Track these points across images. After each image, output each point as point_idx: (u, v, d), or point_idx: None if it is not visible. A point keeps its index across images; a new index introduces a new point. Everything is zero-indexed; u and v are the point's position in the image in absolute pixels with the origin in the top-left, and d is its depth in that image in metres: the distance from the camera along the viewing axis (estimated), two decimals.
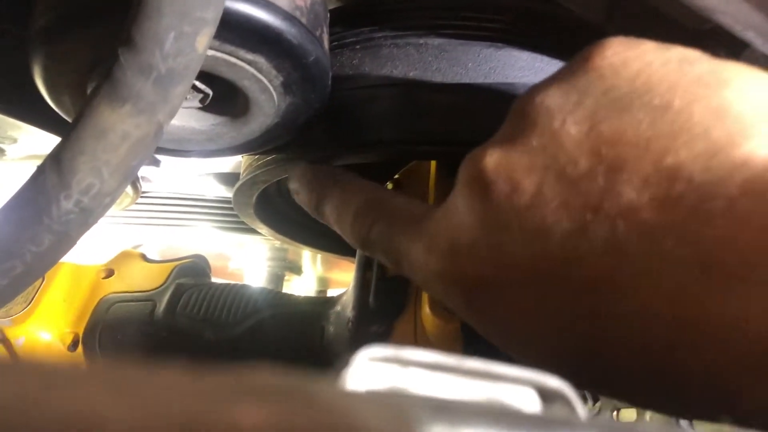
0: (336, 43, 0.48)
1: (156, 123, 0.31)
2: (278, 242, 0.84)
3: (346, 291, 0.47)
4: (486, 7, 0.47)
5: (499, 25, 0.46)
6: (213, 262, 1.05)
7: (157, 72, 0.30)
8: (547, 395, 0.22)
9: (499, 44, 0.46)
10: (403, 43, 0.46)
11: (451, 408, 0.11)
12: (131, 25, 0.29)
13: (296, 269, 0.99)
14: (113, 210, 0.78)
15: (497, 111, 0.43)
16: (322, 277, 1.10)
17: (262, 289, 0.51)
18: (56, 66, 0.37)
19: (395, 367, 0.17)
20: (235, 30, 0.35)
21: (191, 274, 0.55)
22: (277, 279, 0.96)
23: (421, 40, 0.46)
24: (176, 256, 0.58)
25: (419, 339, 0.41)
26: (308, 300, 0.50)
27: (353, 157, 0.46)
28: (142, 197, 0.84)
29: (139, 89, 0.30)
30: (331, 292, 1.12)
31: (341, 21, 0.49)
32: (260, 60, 0.37)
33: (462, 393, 0.20)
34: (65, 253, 0.33)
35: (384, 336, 0.42)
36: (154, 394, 0.08)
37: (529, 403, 0.22)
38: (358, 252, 0.47)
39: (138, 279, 0.54)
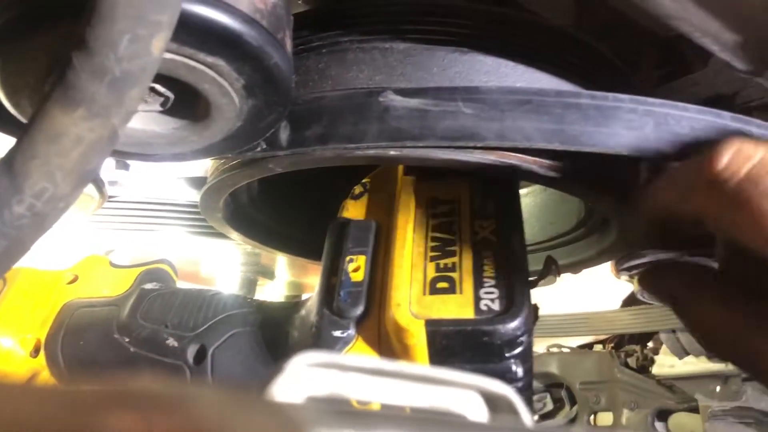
0: (302, 46, 0.48)
1: (110, 126, 0.30)
2: (250, 247, 0.84)
3: (312, 296, 0.47)
4: (452, 12, 0.47)
5: (464, 30, 0.46)
6: (185, 267, 1.05)
7: (111, 75, 0.29)
8: (492, 401, 0.22)
9: (465, 49, 0.46)
10: (369, 47, 0.46)
11: (349, 415, 0.11)
12: (85, 28, 0.29)
13: (269, 274, 0.98)
14: (81, 214, 0.77)
15: (461, 115, 0.44)
16: (294, 282, 1.09)
17: (228, 294, 0.51)
18: (13, 68, 0.37)
19: (335, 372, 0.17)
20: (193, 33, 0.35)
21: (157, 279, 0.55)
22: (250, 284, 0.95)
23: (387, 45, 0.46)
24: (144, 261, 0.57)
25: (383, 344, 0.41)
26: (275, 305, 0.50)
27: (319, 161, 0.46)
28: (113, 202, 0.83)
29: (93, 92, 0.29)
30: (305, 297, 1.11)
31: (308, 25, 0.49)
32: (220, 63, 0.37)
33: (405, 398, 0.20)
34: (19, 258, 0.33)
35: (347, 341, 0.42)
36: (22, 404, 0.08)
37: (474, 408, 0.22)
38: (324, 256, 0.47)
39: (102, 284, 0.53)
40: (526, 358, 0.40)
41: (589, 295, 1.66)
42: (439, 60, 0.45)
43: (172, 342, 0.47)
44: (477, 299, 0.40)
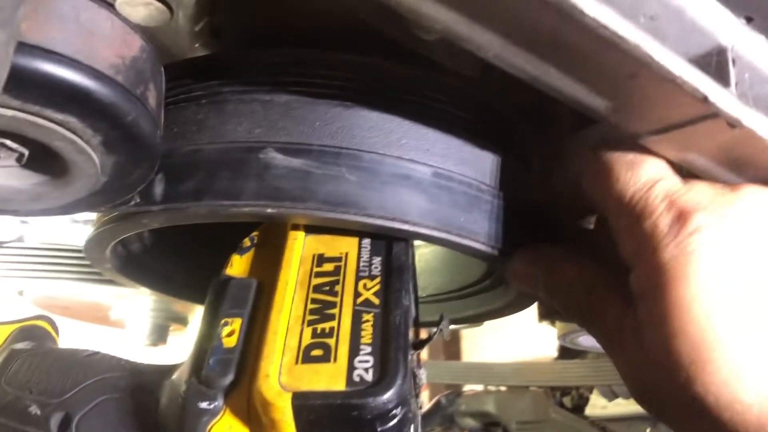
0: (183, 96, 0.46)
1: None
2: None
3: (185, 360, 0.44)
4: (336, 65, 0.45)
5: (348, 83, 0.45)
6: (93, 312, 1.00)
7: None
8: None
9: (348, 103, 0.44)
10: (249, 98, 0.45)
11: None
12: None
13: (182, 320, 0.95)
14: None
15: (341, 176, 0.42)
16: None
17: (102, 355, 0.48)
18: None
19: None
20: (36, 89, 0.32)
21: (32, 338, 0.51)
22: (161, 330, 0.91)
23: (268, 97, 0.44)
24: (21, 317, 0.54)
25: (252, 418, 0.39)
26: (150, 368, 0.47)
27: (194, 217, 0.44)
28: (10, 247, 0.79)
29: None
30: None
31: (190, 73, 0.47)
32: (71, 120, 0.35)
33: None
34: None
35: (215, 413, 0.39)
36: None
37: None
38: (201, 318, 0.44)
39: None
40: (402, 430, 0.38)
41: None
42: (321, 114, 0.44)
43: (35, 410, 0.44)
44: (351, 369, 0.38)
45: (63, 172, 0.39)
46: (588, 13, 0.29)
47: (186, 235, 0.61)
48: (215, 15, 0.54)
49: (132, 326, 0.93)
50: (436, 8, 0.30)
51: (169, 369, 0.45)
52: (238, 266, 0.48)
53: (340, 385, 0.37)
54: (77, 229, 0.77)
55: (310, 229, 0.47)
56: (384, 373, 0.38)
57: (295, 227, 0.48)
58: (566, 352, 1.57)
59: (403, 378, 0.37)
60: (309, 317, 0.42)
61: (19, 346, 0.50)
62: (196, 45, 0.55)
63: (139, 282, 0.61)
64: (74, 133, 0.35)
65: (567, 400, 1.67)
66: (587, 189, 0.45)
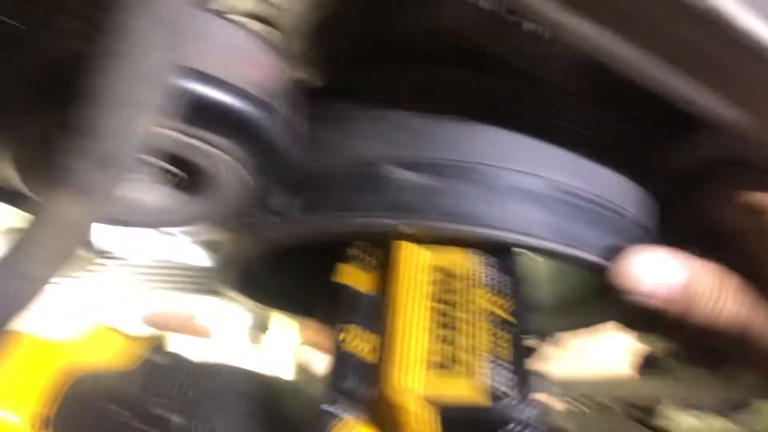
0: (308, 115, 0.48)
1: (94, 207, 0.30)
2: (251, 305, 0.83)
3: (308, 370, 0.45)
4: (455, 83, 0.46)
5: (467, 100, 0.46)
6: (180, 321, 1.04)
7: (98, 156, 0.29)
8: None
9: (468, 119, 0.45)
10: (374, 117, 0.46)
11: None
12: (72, 110, 0.29)
13: (264, 327, 0.97)
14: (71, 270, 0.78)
15: (462, 190, 0.43)
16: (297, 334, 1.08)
17: (230, 367, 0.50)
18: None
19: None
20: (203, 114, 0.35)
21: (165, 349, 0.54)
22: (246, 337, 0.93)
23: (392, 115, 0.46)
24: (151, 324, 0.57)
25: (385, 424, 0.39)
26: (276, 380, 0.48)
27: (328, 231, 0.45)
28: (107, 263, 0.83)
29: (77, 173, 0.29)
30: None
31: (314, 93, 0.49)
32: (227, 143, 0.37)
33: None
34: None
35: (351, 424, 0.40)
36: None
37: None
38: (324, 328, 0.46)
39: (109, 354, 0.52)
40: None
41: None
42: (443, 131, 0.45)
43: (177, 419, 0.46)
44: (492, 384, 0.38)
45: (209, 189, 0.41)
46: (739, 25, 0.28)
47: (298, 251, 0.63)
48: (335, 40, 0.56)
49: (217, 334, 0.96)
50: (580, 23, 0.31)
51: (298, 379, 0.47)
52: (347, 275, 0.48)
53: (485, 400, 0.37)
54: (176, 242, 0.80)
55: (424, 241, 0.48)
56: (524, 389, 0.38)
57: (409, 239, 0.48)
58: (648, 367, 1.51)
59: (534, 393, 0.38)
60: (440, 331, 0.42)
61: (155, 357, 0.52)
62: (307, 67, 0.57)
63: (252, 297, 0.63)
64: (227, 154, 0.37)
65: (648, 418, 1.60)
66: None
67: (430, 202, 0.43)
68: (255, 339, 0.93)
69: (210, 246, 0.71)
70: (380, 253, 0.48)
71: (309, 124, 0.48)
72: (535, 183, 0.44)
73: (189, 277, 0.78)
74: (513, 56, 0.49)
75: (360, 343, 0.42)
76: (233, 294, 0.62)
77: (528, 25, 0.50)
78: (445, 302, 0.44)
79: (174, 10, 0.29)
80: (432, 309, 0.44)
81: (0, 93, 0.34)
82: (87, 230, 0.30)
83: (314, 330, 0.98)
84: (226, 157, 0.38)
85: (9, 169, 0.38)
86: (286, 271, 0.63)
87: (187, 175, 0.39)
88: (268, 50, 0.39)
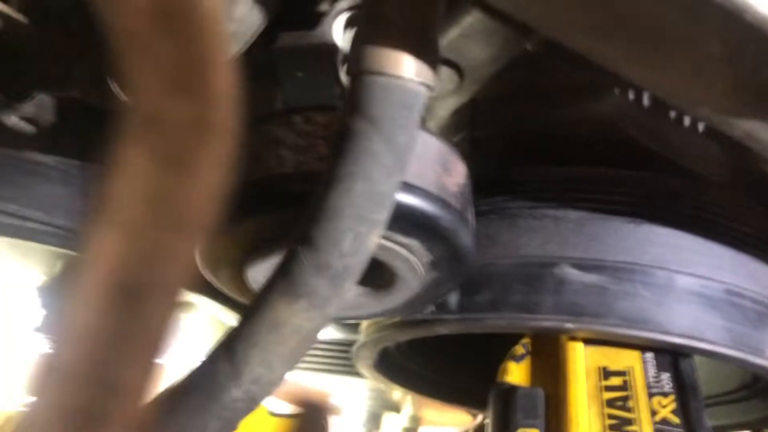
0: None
1: (326, 316, 0.32)
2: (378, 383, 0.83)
3: None
4: (623, 181, 0.47)
5: (638, 200, 0.46)
6: (316, 396, 1.05)
7: (333, 270, 0.31)
8: None
9: (639, 220, 0.46)
10: (540, 214, 0.47)
11: None
12: (311, 226, 0.31)
13: (395, 408, 0.98)
14: None
15: (637, 293, 0.43)
16: (413, 415, 1.08)
17: None
18: (219, 245, 0.39)
19: None
20: (397, 219, 0.36)
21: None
22: (375, 417, 0.94)
23: (559, 213, 0.46)
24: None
25: None
26: None
27: (489, 327, 0.46)
28: None
29: (315, 286, 0.31)
30: (423, 430, 1.10)
31: (475, 190, 0.50)
32: (414, 243, 0.38)
33: None
34: None
35: None
36: None
37: None
38: (491, 425, 0.46)
39: None
40: None
41: None
42: (612, 231, 0.45)
43: None
44: None
45: (387, 286, 0.42)
46: None
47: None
48: (476, 128, 0.58)
49: (348, 413, 0.97)
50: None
51: None
52: (516, 374, 0.49)
53: None
54: None
55: (589, 340, 0.48)
56: None
57: (573, 338, 0.49)
58: None
59: None
60: None
61: None
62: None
63: (389, 378, 0.64)
64: (412, 253, 0.39)
65: None
66: None
67: (604, 304, 0.43)
68: (376, 419, 0.93)
69: (346, 327, 0.72)
70: (547, 350, 0.48)
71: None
72: (707, 286, 0.44)
73: (325, 356, 0.80)
74: (674, 152, 0.50)
75: None
76: (368, 374, 0.63)
77: (687, 120, 0.51)
78: (613, 404, 0.44)
79: (408, 136, 0.31)
80: (600, 412, 0.44)
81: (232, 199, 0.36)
82: (317, 336, 0.32)
83: (437, 410, 0.98)
84: (408, 255, 0.39)
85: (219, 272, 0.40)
86: (424, 355, 0.64)
87: (374, 274, 0.41)
88: (457, 157, 0.40)
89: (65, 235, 0.46)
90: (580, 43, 0.29)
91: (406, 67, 0.30)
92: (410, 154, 0.32)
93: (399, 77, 0.30)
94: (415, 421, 1.08)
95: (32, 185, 0.47)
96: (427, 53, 0.31)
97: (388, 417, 0.99)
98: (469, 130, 0.58)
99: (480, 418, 0.90)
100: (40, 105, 0.50)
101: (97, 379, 0.16)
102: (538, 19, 0.29)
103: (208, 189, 0.17)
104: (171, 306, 0.17)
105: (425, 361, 0.64)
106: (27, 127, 0.51)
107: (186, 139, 0.17)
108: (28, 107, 0.50)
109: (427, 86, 0.31)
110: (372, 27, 0.31)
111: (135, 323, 0.16)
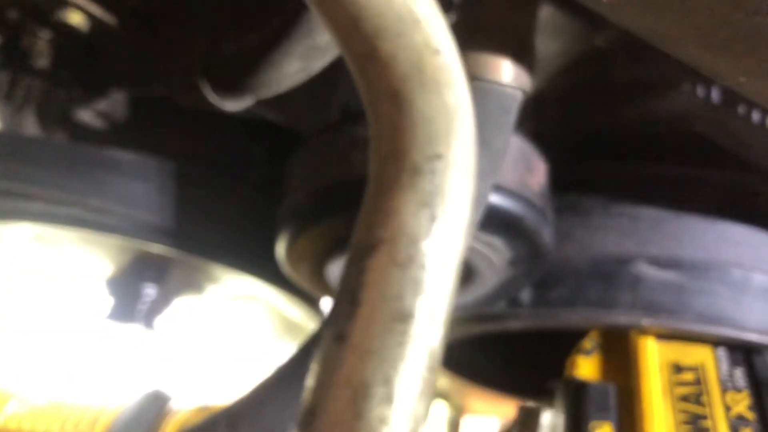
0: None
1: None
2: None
3: None
4: (700, 180, 0.47)
5: (713, 198, 0.46)
6: None
7: None
8: None
9: (714, 217, 0.46)
10: (616, 212, 0.47)
11: None
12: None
13: (441, 395, 0.98)
14: None
15: (713, 290, 0.43)
16: (458, 404, 1.09)
17: None
18: (303, 241, 0.40)
19: None
20: (489, 219, 0.37)
21: None
22: None
23: (634, 211, 0.47)
24: None
25: None
26: None
27: (564, 322, 0.46)
28: None
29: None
30: (467, 419, 1.10)
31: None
32: (496, 241, 0.39)
33: None
34: None
35: None
36: None
37: None
38: (565, 419, 0.46)
39: None
40: None
41: None
42: (688, 228, 0.45)
43: None
44: None
45: (465, 281, 0.43)
46: None
47: None
48: (541, 123, 0.58)
49: None
50: None
51: None
52: (586, 368, 0.49)
53: None
54: None
55: (660, 335, 0.48)
56: None
57: (644, 333, 0.49)
58: None
59: None
60: (683, 427, 0.43)
61: None
62: None
63: (443, 367, 0.65)
64: (493, 250, 0.40)
65: None
66: None
67: (681, 301, 0.43)
68: None
69: None
70: (616, 345, 0.48)
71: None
72: None
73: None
74: (743, 148, 0.49)
75: None
76: None
77: (756, 116, 0.50)
78: (686, 400, 0.44)
79: (504, 139, 0.31)
80: (673, 407, 0.44)
81: (319, 197, 0.37)
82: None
83: (483, 400, 0.99)
84: (489, 252, 0.40)
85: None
86: (478, 344, 0.64)
87: None
88: (539, 156, 0.41)
89: (143, 230, 0.48)
90: (688, 54, 0.29)
91: (505, 72, 0.31)
92: (504, 157, 0.32)
93: (498, 83, 0.31)
94: (458, 410, 1.09)
95: (110, 180, 0.48)
96: (525, 57, 0.31)
97: (433, 405, 1.00)
98: (534, 124, 0.58)
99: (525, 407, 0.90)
100: (115, 102, 0.51)
101: (389, 396, 0.17)
102: (648, 31, 0.29)
103: (463, 227, 0.19)
104: (443, 330, 0.18)
105: (476, 349, 0.64)
106: (101, 123, 0.52)
107: (443, 183, 0.18)
108: (103, 104, 0.51)
109: (524, 90, 0.32)
110: (472, 31, 0.31)
111: (416, 347, 0.17)
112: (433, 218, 0.18)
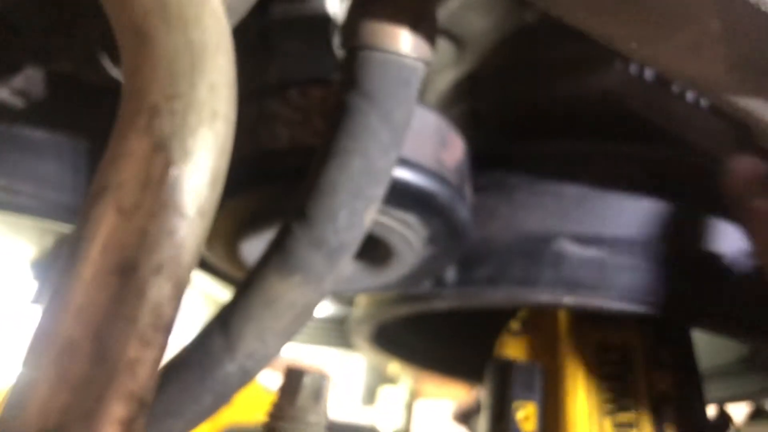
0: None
1: (321, 291, 0.31)
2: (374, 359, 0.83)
3: None
4: (621, 156, 0.47)
5: (636, 174, 0.46)
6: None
7: (328, 245, 0.30)
8: None
9: (638, 195, 0.45)
10: (540, 190, 0.46)
11: None
12: (306, 201, 0.30)
13: (392, 381, 0.98)
14: None
15: (636, 267, 0.43)
16: (410, 389, 1.09)
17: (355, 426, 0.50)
18: (215, 218, 0.39)
19: None
20: (393, 194, 0.36)
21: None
22: (371, 391, 0.95)
23: (558, 188, 0.46)
24: None
25: None
26: None
27: (487, 302, 0.46)
28: None
29: (310, 261, 0.30)
30: (419, 402, 1.11)
31: (474, 163, 0.50)
32: (410, 218, 0.38)
33: None
34: (220, 409, 0.34)
35: None
36: None
37: None
38: (487, 398, 0.46)
39: (258, 409, 0.54)
40: None
41: None
42: (612, 206, 0.45)
43: None
44: None
45: (383, 260, 0.42)
46: None
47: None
48: (475, 101, 0.57)
49: (345, 386, 0.97)
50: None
51: None
52: (513, 348, 0.49)
53: None
54: None
55: (587, 314, 0.48)
56: None
57: (571, 312, 0.49)
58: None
59: None
60: (606, 406, 0.42)
61: None
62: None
63: (388, 353, 0.64)
64: (408, 228, 0.39)
65: None
66: None
67: (602, 278, 0.43)
68: (371, 393, 0.94)
69: (343, 300, 0.72)
70: (544, 325, 0.48)
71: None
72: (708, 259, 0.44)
73: (323, 329, 0.80)
74: (677, 126, 0.49)
75: (533, 419, 0.43)
76: (366, 348, 0.63)
77: (690, 94, 0.50)
78: (612, 379, 0.44)
79: (405, 112, 0.30)
80: (597, 386, 0.44)
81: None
82: (312, 311, 0.32)
83: (435, 384, 0.99)
84: (405, 230, 0.39)
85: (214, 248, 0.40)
86: (421, 329, 0.64)
87: (370, 249, 0.41)
88: (455, 132, 0.40)
89: (56, 210, 0.46)
90: (577, 18, 0.28)
91: (404, 42, 0.30)
92: (407, 130, 0.31)
93: (396, 53, 0.30)
94: (412, 395, 1.09)
95: (23, 160, 0.46)
96: (425, 28, 0.30)
97: (384, 390, 0.99)
98: (469, 103, 0.58)
99: (477, 390, 0.90)
100: (31, 79, 0.49)
101: (99, 354, 0.16)
102: None
103: (205, 173, 0.17)
104: (173, 285, 0.17)
105: (423, 334, 0.64)
106: (17, 101, 0.50)
107: (183, 124, 0.16)
108: (18, 81, 0.49)
109: (425, 62, 0.31)
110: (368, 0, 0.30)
111: (134, 301, 0.16)
112: (168, 163, 0.17)
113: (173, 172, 0.17)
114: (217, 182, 0.18)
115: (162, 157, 0.17)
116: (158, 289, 0.17)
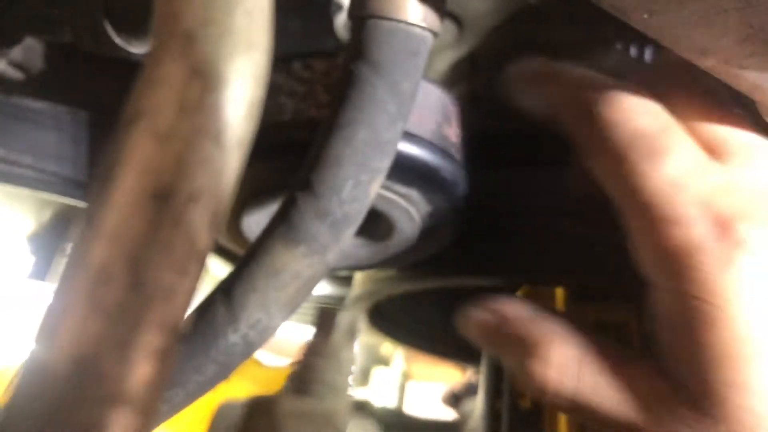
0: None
1: (325, 263, 0.31)
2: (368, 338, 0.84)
3: (471, 418, 0.46)
4: None
5: None
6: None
7: (332, 217, 0.30)
8: None
9: None
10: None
11: None
12: (311, 172, 0.30)
13: (385, 362, 0.99)
14: None
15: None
16: (403, 370, 1.10)
17: (379, 408, 0.51)
18: None
19: None
20: (397, 168, 0.36)
21: None
22: (365, 372, 0.95)
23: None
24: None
25: None
26: (431, 422, 0.49)
27: (482, 280, 0.46)
28: None
29: (315, 232, 0.30)
30: (412, 384, 1.11)
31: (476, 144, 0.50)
32: (413, 193, 0.38)
33: None
34: (223, 381, 0.34)
35: None
36: None
37: None
38: (483, 377, 0.46)
39: (254, 385, 0.54)
40: None
41: None
42: None
43: None
44: None
45: (384, 236, 0.42)
46: None
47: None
48: (475, 83, 0.57)
49: None
50: None
51: (450, 425, 0.47)
52: None
53: None
54: None
55: (585, 295, 0.48)
56: None
57: (566, 291, 0.49)
58: None
59: None
60: None
61: None
62: None
63: (382, 333, 0.64)
64: (411, 203, 0.39)
65: None
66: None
67: (592, 254, 0.43)
68: (365, 374, 0.94)
69: (337, 280, 0.73)
70: (542, 304, 0.48)
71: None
72: None
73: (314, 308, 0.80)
74: None
75: (529, 396, 0.43)
76: (361, 327, 0.63)
77: None
78: None
79: (412, 83, 0.30)
80: None
81: None
82: (316, 283, 0.32)
83: (427, 365, 0.99)
84: (407, 205, 0.39)
85: None
86: (417, 309, 0.64)
87: (371, 224, 0.41)
88: (459, 107, 0.40)
89: (55, 182, 0.46)
90: None
91: (412, 11, 0.30)
92: (413, 102, 0.31)
93: (404, 21, 0.30)
94: (405, 376, 1.10)
95: (21, 131, 0.46)
96: None
97: (377, 371, 1.00)
98: (468, 85, 0.58)
99: (469, 373, 0.91)
100: (30, 50, 0.49)
101: (134, 281, 0.16)
102: None
103: (242, 102, 0.17)
104: (209, 215, 0.17)
105: (418, 314, 0.64)
106: (16, 73, 0.50)
107: (219, 51, 0.16)
108: (17, 52, 0.49)
109: (433, 32, 0.31)
110: None
111: (170, 228, 0.16)
112: (204, 89, 0.17)
113: (209, 98, 0.17)
114: (252, 113, 0.18)
115: (198, 83, 0.17)
116: (194, 217, 0.17)
